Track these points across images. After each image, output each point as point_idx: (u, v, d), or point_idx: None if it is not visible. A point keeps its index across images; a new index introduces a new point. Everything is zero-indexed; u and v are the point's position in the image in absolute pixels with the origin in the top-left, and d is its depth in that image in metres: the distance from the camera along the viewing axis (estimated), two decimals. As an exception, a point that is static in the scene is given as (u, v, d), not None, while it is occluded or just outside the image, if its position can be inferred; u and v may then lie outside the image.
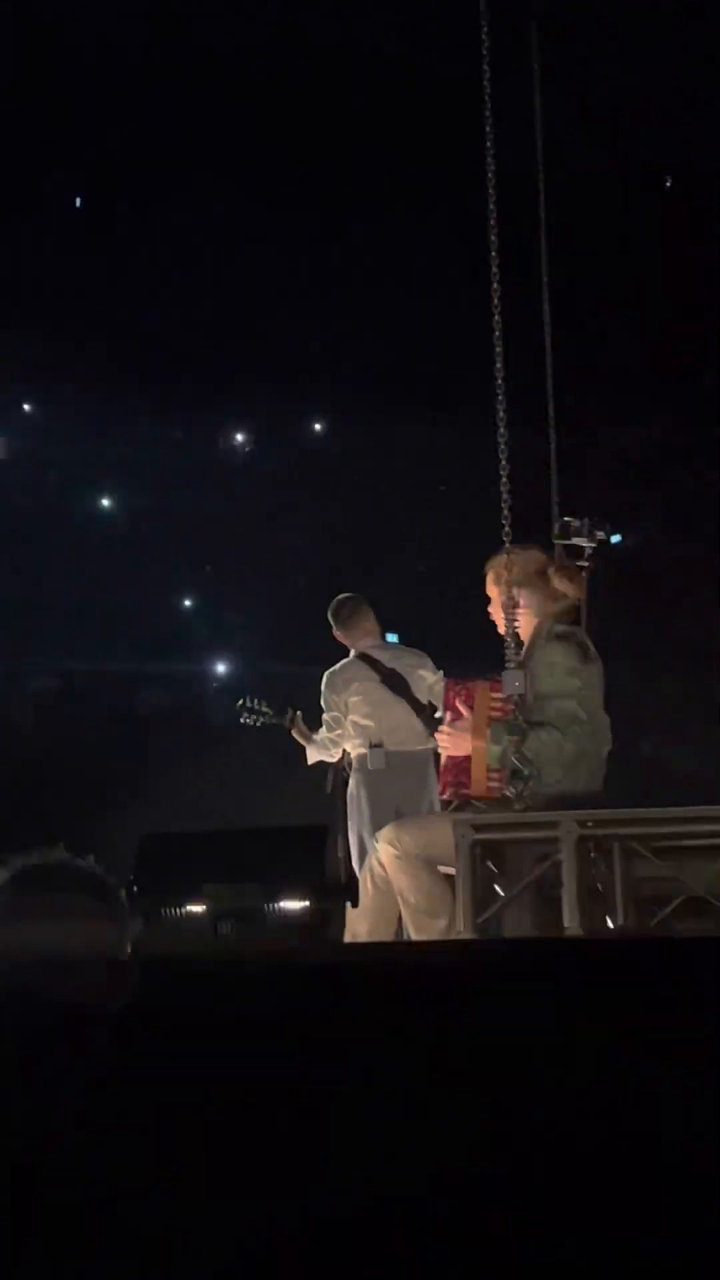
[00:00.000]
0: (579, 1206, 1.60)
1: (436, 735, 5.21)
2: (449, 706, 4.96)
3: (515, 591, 4.71)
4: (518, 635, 4.67)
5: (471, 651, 5.46)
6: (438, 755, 5.43)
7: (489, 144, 5.68)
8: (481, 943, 4.18)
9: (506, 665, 4.65)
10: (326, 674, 6.46)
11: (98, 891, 2.03)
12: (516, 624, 4.67)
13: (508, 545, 4.82)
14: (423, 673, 6.38)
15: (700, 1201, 1.61)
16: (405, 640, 6.79)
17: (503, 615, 4.78)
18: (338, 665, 6.49)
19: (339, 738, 6.42)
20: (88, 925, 1.97)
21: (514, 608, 4.69)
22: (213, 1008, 1.75)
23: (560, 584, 4.89)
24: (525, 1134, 1.72)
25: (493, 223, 5.46)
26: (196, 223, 13.05)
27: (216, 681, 14.95)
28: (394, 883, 4.58)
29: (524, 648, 4.72)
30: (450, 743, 4.85)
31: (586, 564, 5.18)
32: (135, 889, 4.00)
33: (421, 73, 9.36)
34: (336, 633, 6.54)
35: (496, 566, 4.84)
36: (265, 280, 12.97)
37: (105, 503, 16.63)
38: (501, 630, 4.78)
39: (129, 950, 2.02)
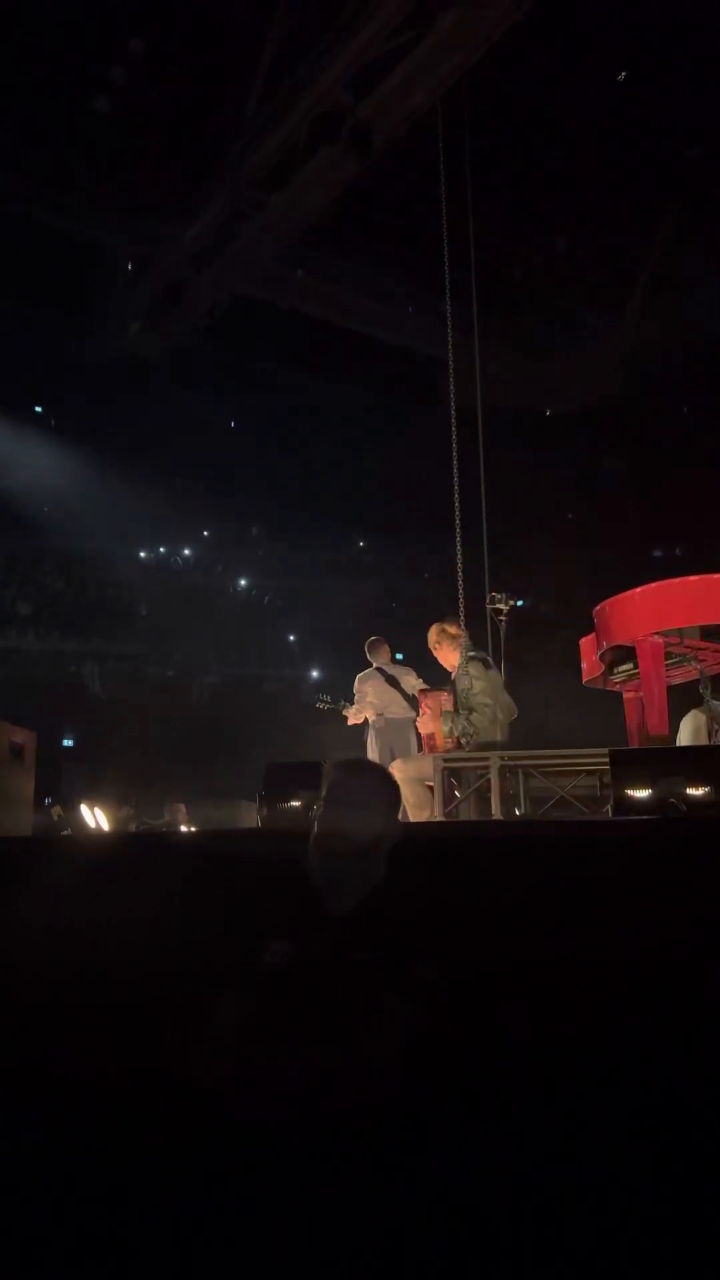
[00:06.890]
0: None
1: (418, 722, 5.33)
2: (421, 707, 5.12)
3: (439, 644, 4.95)
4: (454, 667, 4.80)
5: (430, 669, 5.54)
6: (415, 724, 5.63)
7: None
8: (449, 822, 4.26)
9: (453, 678, 4.79)
10: (357, 677, 6.53)
11: (383, 776, 1.84)
12: (452, 660, 4.84)
13: (440, 619, 5.03)
14: (409, 677, 6.43)
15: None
16: (404, 660, 6.86)
17: (441, 656, 4.98)
18: (363, 672, 6.57)
19: (361, 710, 6.46)
20: (380, 786, 1.78)
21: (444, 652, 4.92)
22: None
23: (459, 631, 4.97)
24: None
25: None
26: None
27: (310, 681, 15.07)
28: (400, 790, 4.58)
29: (456, 667, 4.81)
30: (423, 726, 5.00)
31: (504, 617, 5.19)
32: (264, 792, 3.84)
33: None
34: (367, 655, 6.61)
35: (430, 636, 5.00)
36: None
37: (243, 582, 16.86)
38: (443, 663, 4.97)
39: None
